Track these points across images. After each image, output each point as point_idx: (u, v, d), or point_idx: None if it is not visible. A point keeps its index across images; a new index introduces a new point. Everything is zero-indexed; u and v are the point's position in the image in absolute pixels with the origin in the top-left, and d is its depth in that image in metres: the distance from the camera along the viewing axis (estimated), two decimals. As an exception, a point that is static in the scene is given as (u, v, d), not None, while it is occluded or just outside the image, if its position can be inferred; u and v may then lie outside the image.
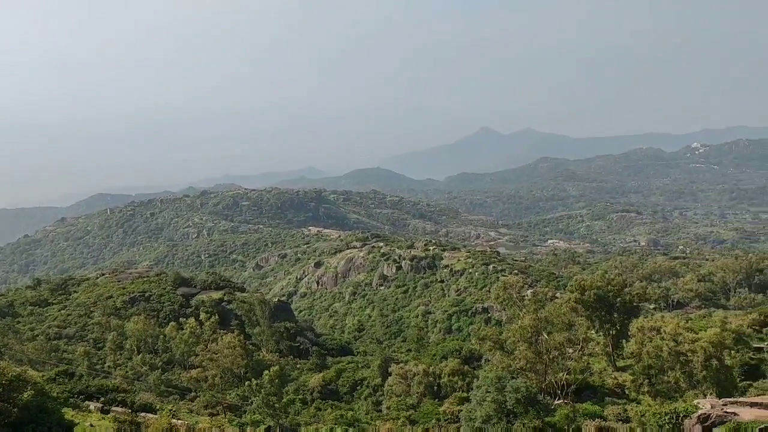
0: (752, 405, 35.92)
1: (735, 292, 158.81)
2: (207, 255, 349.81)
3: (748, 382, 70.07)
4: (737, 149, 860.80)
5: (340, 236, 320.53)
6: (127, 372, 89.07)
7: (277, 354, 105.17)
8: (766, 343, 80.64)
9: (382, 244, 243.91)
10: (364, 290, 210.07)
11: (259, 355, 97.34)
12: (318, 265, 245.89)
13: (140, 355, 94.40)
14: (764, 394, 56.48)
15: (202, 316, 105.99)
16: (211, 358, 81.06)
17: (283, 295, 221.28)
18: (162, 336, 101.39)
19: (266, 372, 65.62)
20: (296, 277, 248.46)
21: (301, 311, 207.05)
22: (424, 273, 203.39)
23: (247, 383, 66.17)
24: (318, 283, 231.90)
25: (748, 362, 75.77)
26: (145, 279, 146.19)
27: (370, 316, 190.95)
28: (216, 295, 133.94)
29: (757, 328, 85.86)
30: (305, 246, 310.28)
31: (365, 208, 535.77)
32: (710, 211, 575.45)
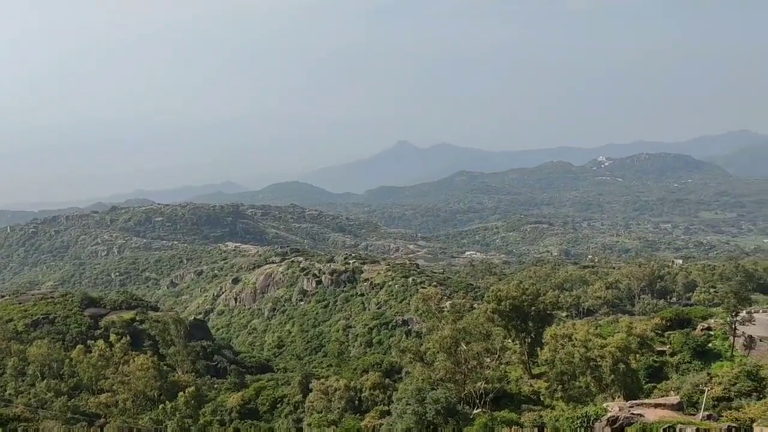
0: (656, 406, 37.79)
1: (639, 298, 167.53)
2: (117, 273, 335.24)
3: (652, 384, 73.81)
4: (638, 163, 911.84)
5: (258, 251, 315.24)
6: (29, 399, 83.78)
7: (193, 374, 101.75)
8: (667, 346, 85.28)
9: (301, 258, 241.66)
10: (284, 306, 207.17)
11: (174, 376, 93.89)
12: (236, 281, 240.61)
13: (44, 381, 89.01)
14: (667, 395, 59.57)
15: (112, 337, 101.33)
16: (122, 382, 77.51)
17: (200, 313, 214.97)
18: (68, 360, 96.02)
19: (181, 393, 63.38)
20: (213, 295, 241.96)
21: (218, 329, 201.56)
22: (345, 287, 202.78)
23: (161, 406, 63.65)
24: (236, 299, 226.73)
25: (652, 365, 79.87)
26: (49, 300, 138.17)
27: (290, 332, 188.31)
28: (127, 315, 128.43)
29: (659, 332, 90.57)
30: (222, 262, 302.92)
31: (284, 223, 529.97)
32: (616, 221, 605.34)
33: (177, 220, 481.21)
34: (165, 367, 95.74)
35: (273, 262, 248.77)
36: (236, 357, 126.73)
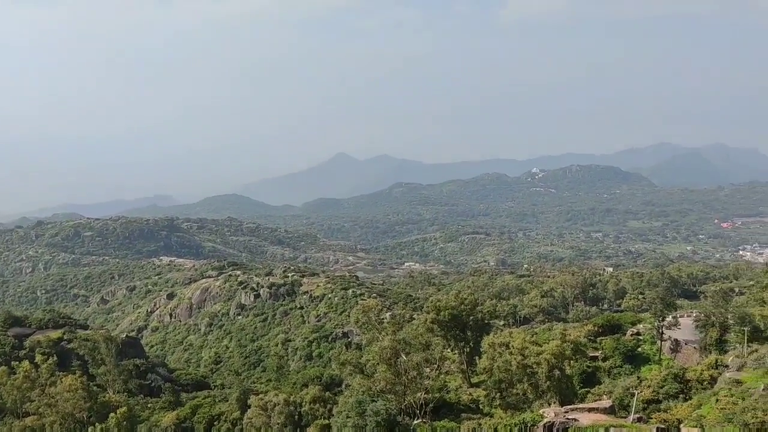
0: (590, 410, 38.87)
1: (573, 306, 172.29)
2: (44, 291, 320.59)
3: (586, 389, 75.93)
4: (570, 174, 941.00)
5: (194, 265, 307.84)
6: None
7: (125, 394, 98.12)
8: (600, 352, 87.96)
9: (239, 272, 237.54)
10: (221, 321, 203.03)
11: (104, 396, 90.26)
12: (171, 296, 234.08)
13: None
14: (600, 399, 61.34)
15: (38, 358, 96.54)
16: (48, 404, 73.95)
17: (132, 331, 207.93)
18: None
19: (113, 415, 61.01)
20: (147, 311, 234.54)
21: (152, 346, 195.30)
22: (284, 300, 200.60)
23: (90, 428, 61.03)
24: (171, 315, 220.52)
25: (585, 370, 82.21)
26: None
27: (227, 347, 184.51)
28: (54, 334, 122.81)
29: (592, 338, 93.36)
30: (156, 277, 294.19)
31: (221, 236, 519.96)
32: (550, 231, 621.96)
33: (108, 234, 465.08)
34: (95, 388, 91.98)
35: (210, 276, 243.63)
36: (171, 375, 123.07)
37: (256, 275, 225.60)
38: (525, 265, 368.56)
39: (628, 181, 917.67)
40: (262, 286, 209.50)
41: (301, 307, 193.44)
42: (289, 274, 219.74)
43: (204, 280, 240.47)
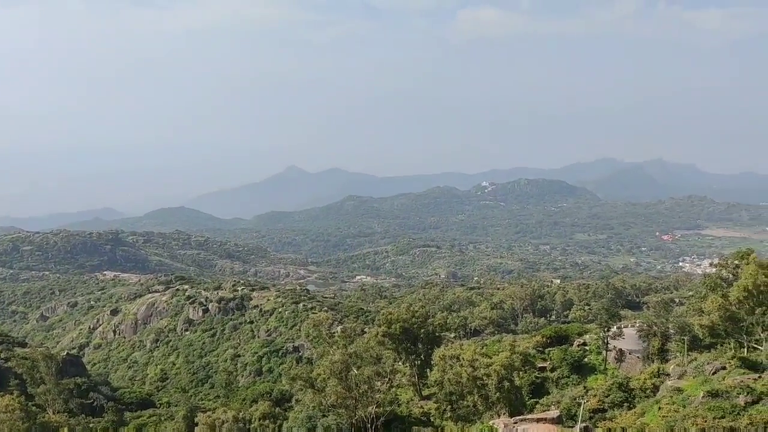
0: (538, 420, 39.38)
1: (522, 317, 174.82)
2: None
3: (534, 399, 76.99)
4: (519, 188, 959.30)
5: (140, 280, 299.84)
6: None
7: (66, 414, 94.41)
8: (548, 363, 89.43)
9: (187, 286, 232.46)
10: (168, 336, 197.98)
11: (44, 417, 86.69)
12: (115, 312, 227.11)
13: None
14: (548, 410, 62.24)
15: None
16: (-18, 427, 70.46)
17: (74, 348, 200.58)
18: None
19: (52, 436, 58.54)
20: (89, 327, 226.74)
21: (95, 364, 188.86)
22: (233, 314, 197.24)
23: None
24: (115, 332, 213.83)
25: (534, 381, 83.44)
26: None
27: (174, 364, 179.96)
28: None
29: (540, 349, 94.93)
30: (99, 292, 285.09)
31: (169, 250, 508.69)
32: (499, 243, 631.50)
33: (49, 248, 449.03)
34: (34, 408, 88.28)
35: (156, 291, 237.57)
36: (115, 393, 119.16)
37: (204, 289, 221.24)
38: (475, 278, 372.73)
39: (574, 195, 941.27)
40: (211, 301, 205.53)
41: (251, 322, 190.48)
42: (239, 288, 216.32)
43: (150, 295, 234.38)
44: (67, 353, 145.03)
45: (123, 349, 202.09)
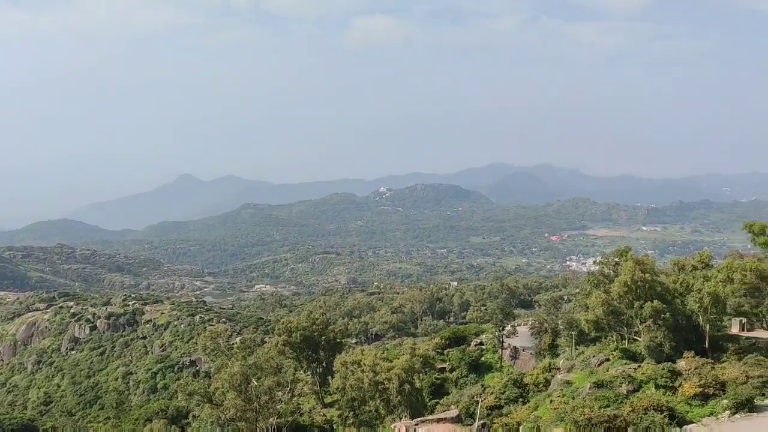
0: (438, 421, 40.13)
1: (422, 320, 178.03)
2: None
3: (435, 400, 78.49)
4: (416, 193, 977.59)
5: (18, 298, 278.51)
6: None
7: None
8: (447, 363, 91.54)
9: (72, 303, 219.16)
10: (51, 357, 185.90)
11: None
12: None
13: None
14: (448, 409, 63.64)
15: None
16: None
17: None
18: None
19: None
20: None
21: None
22: (124, 331, 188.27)
23: None
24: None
25: (434, 382, 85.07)
26: None
27: (59, 386, 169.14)
28: None
29: (440, 350, 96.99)
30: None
31: (51, 265, 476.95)
32: (398, 248, 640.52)
33: None
34: None
35: (37, 309, 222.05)
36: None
37: (91, 305, 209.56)
38: (375, 283, 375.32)
39: (468, 199, 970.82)
40: (99, 317, 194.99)
41: (144, 337, 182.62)
42: (130, 303, 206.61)
43: (30, 313, 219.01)
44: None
45: (1, 373, 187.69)
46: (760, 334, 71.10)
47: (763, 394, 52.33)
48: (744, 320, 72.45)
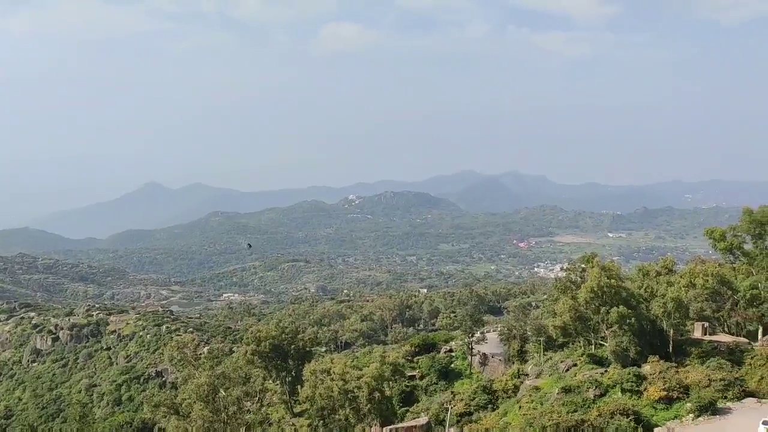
0: (408, 429, 40.06)
1: (391, 328, 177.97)
2: None
3: (405, 408, 78.45)
4: (385, 200, 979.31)
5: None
6: None
7: None
8: (417, 371, 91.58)
9: (33, 314, 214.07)
10: (12, 369, 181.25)
11: None
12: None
13: None
14: (418, 417, 63.66)
15: None
16: None
17: None
18: None
19: None
20: None
21: None
22: (88, 342, 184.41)
23: None
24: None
25: (404, 390, 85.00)
26: None
27: (20, 399, 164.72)
28: None
29: (410, 358, 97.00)
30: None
31: (11, 275, 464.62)
32: (368, 256, 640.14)
33: None
34: None
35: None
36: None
37: (54, 316, 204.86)
38: (345, 291, 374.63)
39: (438, 207, 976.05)
40: (62, 328, 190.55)
41: (108, 348, 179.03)
42: (94, 313, 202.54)
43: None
44: None
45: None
46: (721, 337, 72.69)
47: (725, 397, 53.53)
48: (706, 324, 74.02)
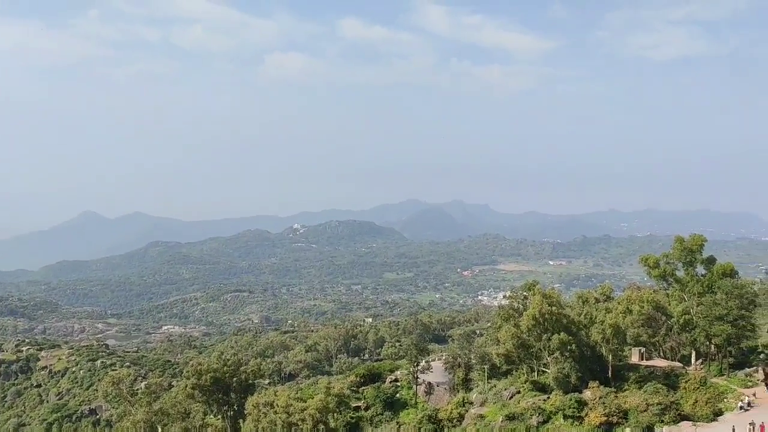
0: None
1: (336, 358, 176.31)
2: None
3: (350, 440, 77.32)
4: (330, 229, 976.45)
5: None
6: None
7: None
8: (362, 402, 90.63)
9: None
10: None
11: None
12: None
13: None
14: (363, 449, 62.84)
15: None
16: None
17: None
18: None
19: None
20: None
21: None
22: (16, 379, 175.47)
23: None
24: None
25: (349, 421, 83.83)
26: None
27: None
28: None
29: (355, 388, 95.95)
30: None
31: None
32: (313, 285, 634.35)
33: None
34: None
35: None
36: None
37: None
38: (289, 321, 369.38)
39: (383, 235, 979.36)
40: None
41: (39, 385, 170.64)
42: (23, 348, 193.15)
43: None
44: None
45: None
46: (657, 362, 74.97)
47: (662, 421, 55.02)
48: (643, 349, 76.27)
